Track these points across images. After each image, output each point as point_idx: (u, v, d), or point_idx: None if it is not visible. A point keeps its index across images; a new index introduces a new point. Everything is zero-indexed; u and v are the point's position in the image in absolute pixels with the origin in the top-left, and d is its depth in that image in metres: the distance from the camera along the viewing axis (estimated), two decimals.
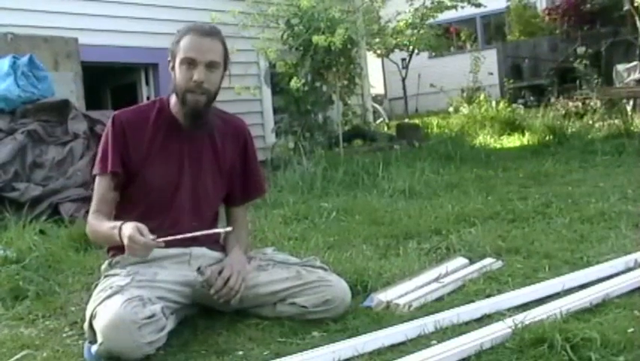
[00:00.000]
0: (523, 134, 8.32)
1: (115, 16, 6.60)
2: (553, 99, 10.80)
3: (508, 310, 2.11)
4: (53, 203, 4.30)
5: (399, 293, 2.33)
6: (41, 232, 3.67)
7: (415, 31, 12.35)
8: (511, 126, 8.85)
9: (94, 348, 1.90)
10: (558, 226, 3.34)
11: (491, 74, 13.22)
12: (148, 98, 6.84)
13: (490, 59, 13.13)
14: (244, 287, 2.16)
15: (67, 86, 5.51)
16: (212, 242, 2.34)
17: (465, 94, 11.81)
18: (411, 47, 13.01)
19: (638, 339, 1.78)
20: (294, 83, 6.60)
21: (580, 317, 1.99)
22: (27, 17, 5.88)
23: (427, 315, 2.11)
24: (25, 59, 4.98)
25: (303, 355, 1.85)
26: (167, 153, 2.24)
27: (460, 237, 3.24)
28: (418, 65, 14.30)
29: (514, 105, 10.57)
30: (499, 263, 2.70)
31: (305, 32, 6.71)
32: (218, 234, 2.38)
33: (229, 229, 2.19)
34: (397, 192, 4.70)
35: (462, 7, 12.30)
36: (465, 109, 10.35)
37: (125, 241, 1.99)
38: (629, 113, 8.35)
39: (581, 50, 12.04)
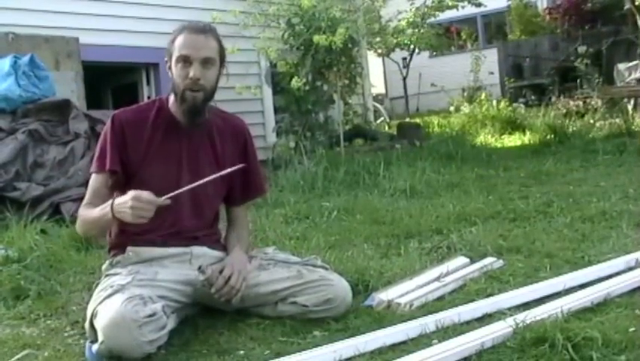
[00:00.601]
0: (524, 134, 8.32)
1: (116, 15, 6.61)
2: (554, 98, 10.79)
3: (509, 309, 2.11)
4: (54, 203, 4.30)
5: (400, 292, 2.33)
6: (42, 231, 3.67)
7: (416, 30, 12.34)
8: (512, 126, 8.85)
9: (95, 347, 1.90)
10: (559, 226, 3.33)
11: (492, 73, 13.21)
12: (149, 98, 6.83)
13: (490, 58, 13.12)
14: (245, 286, 2.16)
15: (68, 86, 5.51)
16: (213, 242, 2.34)
17: (466, 93, 11.80)
18: (412, 47, 13.01)
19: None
20: (295, 83, 6.60)
21: (581, 317, 1.99)
22: (28, 17, 5.88)
23: (428, 314, 2.11)
24: (26, 59, 4.99)
25: (304, 354, 1.85)
26: (166, 152, 2.24)
27: (461, 236, 3.23)
28: (419, 64, 14.30)
29: (515, 104, 10.55)
30: (500, 262, 2.70)
31: (306, 32, 6.71)
32: (219, 235, 2.39)
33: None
34: (398, 191, 4.70)
35: (463, 7, 12.30)
36: (466, 108, 10.33)
37: (129, 202, 1.97)
38: (630, 112, 8.33)
39: (581, 49, 12.02)
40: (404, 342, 1.93)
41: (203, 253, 2.26)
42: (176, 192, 2.06)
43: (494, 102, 10.08)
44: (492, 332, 1.88)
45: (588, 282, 2.32)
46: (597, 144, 6.42)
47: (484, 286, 2.41)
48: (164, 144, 2.24)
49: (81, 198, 2.29)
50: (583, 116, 8.76)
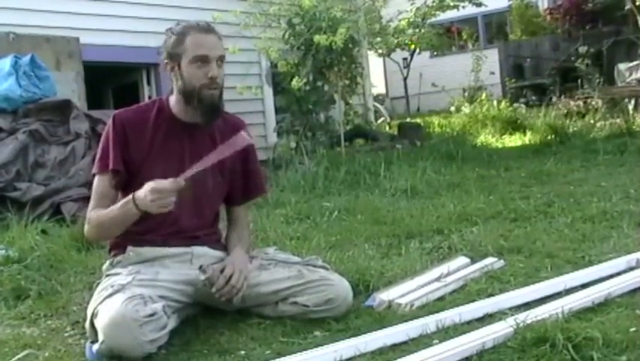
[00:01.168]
0: (525, 134, 8.31)
1: (117, 15, 6.61)
2: (554, 98, 10.78)
3: (510, 309, 2.11)
4: (55, 203, 4.30)
5: (401, 293, 2.33)
6: (43, 231, 3.68)
7: (417, 30, 12.35)
8: (513, 126, 8.84)
9: (95, 347, 1.90)
10: (560, 226, 3.33)
11: (493, 73, 13.19)
12: (149, 98, 6.85)
13: (491, 58, 13.11)
14: (246, 286, 2.16)
15: (68, 86, 5.52)
16: (214, 241, 2.34)
17: (466, 93, 11.78)
18: (412, 47, 13.01)
19: None
20: (296, 83, 6.60)
21: (582, 317, 1.99)
22: (29, 17, 5.89)
23: (428, 314, 2.10)
24: (26, 59, 4.99)
25: (305, 354, 1.85)
26: (169, 151, 2.24)
27: (461, 236, 3.23)
28: (420, 64, 14.30)
29: (515, 105, 10.54)
30: (501, 262, 2.69)
31: (306, 32, 6.71)
32: (219, 235, 2.38)
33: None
34: (399, 191, 4.70)
35: (463, 7, 12.30)
36: (466, 108, 10.32)
37: (149, 196, 1.98)
38: (631, 112, 8.32)
39: (582, 49, 12.01)
40: (405, 342, 1.92)
41: (204, 252, 2.26)
42: (187, 172, 2.04)
43: (495, 102, 10.08)
44: (493, 332, 1.87)
45: (589, 282, 2.32)
46: (598, 144, 6.41)
47: (485, 286, 2.41)
48: (166, 143, 2.24)
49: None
50: (584, 116, 8.75)
